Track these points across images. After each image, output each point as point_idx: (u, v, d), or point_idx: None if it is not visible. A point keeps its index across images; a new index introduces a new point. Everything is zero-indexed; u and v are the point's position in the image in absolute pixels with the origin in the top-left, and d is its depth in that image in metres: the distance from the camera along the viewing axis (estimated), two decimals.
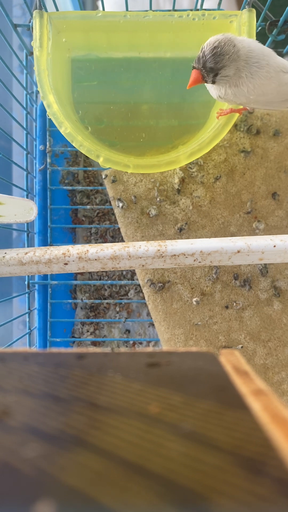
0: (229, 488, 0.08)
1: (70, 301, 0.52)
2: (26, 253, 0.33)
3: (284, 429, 0.10)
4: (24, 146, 0.48)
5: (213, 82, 0.33)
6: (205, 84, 0.36)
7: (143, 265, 0.34)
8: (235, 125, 0.45)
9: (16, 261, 0.33)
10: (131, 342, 0.53)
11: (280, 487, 0.08)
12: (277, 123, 0.45)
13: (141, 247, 0.33)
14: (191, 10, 0.40)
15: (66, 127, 0.39)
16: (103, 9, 0.41)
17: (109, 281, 0.51)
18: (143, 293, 0.47)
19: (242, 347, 0.44)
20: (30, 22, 0.40)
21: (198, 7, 0.42)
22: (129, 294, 0.53)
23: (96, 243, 0.53)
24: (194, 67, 0.32)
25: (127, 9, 0.41)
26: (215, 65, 0.31)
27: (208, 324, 0.44)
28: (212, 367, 0.14)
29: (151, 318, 0.46)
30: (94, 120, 0.43)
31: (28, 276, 0.49)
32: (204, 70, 0.32)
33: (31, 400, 0.12)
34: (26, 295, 0.49)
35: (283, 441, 0.10)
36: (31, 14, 0.39)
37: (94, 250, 0.33)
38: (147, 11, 0.40)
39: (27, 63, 0.47)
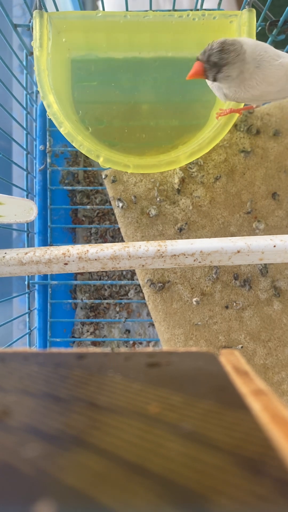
0: (229, 488, 0.08)
1: (70, 301, 0.52)
2: (26, 253, 0.33)
3: (284, 429, 0.10)
4: (24, 146, 0.48)
5: (214, 80, 0.32)
6: (208, 83, 0.36)
7: (143, 265, 0.34)
8: (235, 125, 0.45)
9: (16, 261, 0.33)
10: (131, 342, 0.53)
11: (280, 487, 0.08)
12: (277, 123, 0.45)
13: (141, 247, 0.33)
14: (191, 10, 0.40)
15: (66, 127, 0.39)
16: (103, 9, 0.41)
17: (109, 281, 0.51)
18: (143, 293, 0.47)
19: (242, 347, 0.44)
20: (30, 22, 0.40)
21: (198, 7, 0.42)
22: (129, 294, 0.53)
23: (96, 243, 0.53)
24: (198, 59, 0.31)
25: (127, 9, 0.41)
26: (219, 60, 0.30)
27: (208, 324, 0.44)
28: (212, 367, 0.14)
29: (151, 318, 0.46)
30: (94, 120, 0.43)
31: (28, 276, 0.49)
32: (207, 64, 0.31)
33: (31, 400, 0.12)
34: (26, 295, 0.49)
35: (283, 441, 0.10)
36: (31, 14, 0.39)
37: (94, 250, 0.33)
38: (147, 11, 0.40)
39: (27, 63, 0.47)
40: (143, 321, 0.53)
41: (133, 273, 0.53)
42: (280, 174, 0.45)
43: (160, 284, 0.45)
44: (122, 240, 0.48)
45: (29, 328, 0.48)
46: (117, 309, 0.53)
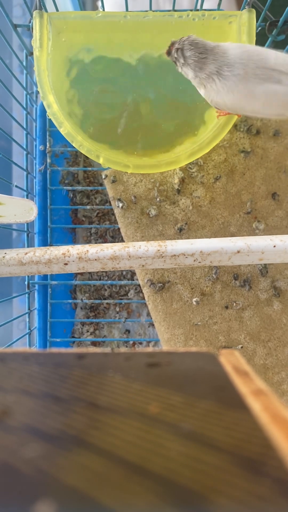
0: (229, 488, 0.08)
1: (70, 301, 0.52)
2: (26, 253, 0.33)
3: (284, 429, 0.10)
4: (24, 146, 0.48)
5: (175, 62, 0.35)
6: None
7: (143, 265, 0.34)
8: (235, 125, 0.45)
9: (16, 261, 0.33)
10: (131, 342, 0.53)
11: (280, 487, 0.08)
12: (277, 123, 0.45)
13: (141, 247, 0.33)
14: (191, 10, 0.40)
15: (66, 127, 0.39)
16: (103, 9, 0.41)
17: (109, 281, 0.51)
18: (143, 293, 0.47)
19: (242, 347, 0.44)
20: (30, 22, 0.40)
21: (198, 7, 0.42)
22: (129, 294, 0.53)
23: (96, 243, 0.53)
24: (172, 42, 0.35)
25: (127, 10, 0.41)
26: (183, 49, 0.34)
27: (208, 324, 0.44)
28: (212, 367, 0.14)
29: (151, 318, 0.46)
30: (94, 120, 0.43)
31: (28, 276, 0.49)
32: (175, 48, 0.34)
33: (31, 400, 0.12)
34: (26, 295, 0.49)
35: (283, 441, 0.10)
36: (31, 14, 0.39)
37: (94, 250, 0.33)
38: (147, 11, 0.40)
39: (27, 63, 0.47)
40: (143, 321, 0.53)
41: (133, 273, 0.53)
42: (280, 174, 0.45)
43: (160, 284, 0.45)
44: (122, 240, 0.48)
45: (29, 328, 0.48)
46: (117, 309, 0.53)
